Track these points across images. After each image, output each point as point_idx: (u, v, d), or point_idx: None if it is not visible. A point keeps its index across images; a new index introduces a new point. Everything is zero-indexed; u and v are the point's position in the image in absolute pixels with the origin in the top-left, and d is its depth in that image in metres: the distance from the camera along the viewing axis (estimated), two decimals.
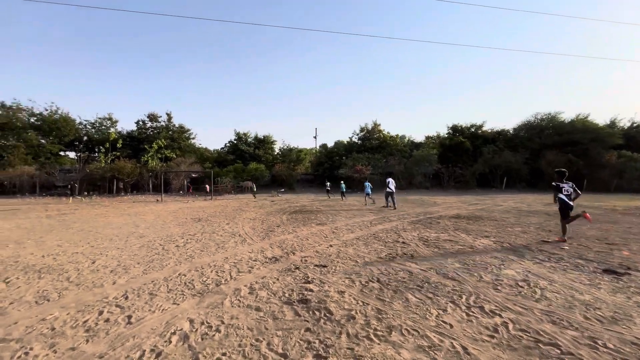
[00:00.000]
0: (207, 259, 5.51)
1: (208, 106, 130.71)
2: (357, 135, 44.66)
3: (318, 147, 51.49)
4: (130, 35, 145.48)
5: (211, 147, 48.97)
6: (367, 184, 18.32)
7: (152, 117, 41.17)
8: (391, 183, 14.94)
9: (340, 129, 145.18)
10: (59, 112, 37.72)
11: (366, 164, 35.49)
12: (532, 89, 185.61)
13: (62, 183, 33.22)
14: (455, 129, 43.07)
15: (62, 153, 39.53)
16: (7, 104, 35.57)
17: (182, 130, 42.25)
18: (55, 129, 36.23)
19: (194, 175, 38.21)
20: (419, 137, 44.13)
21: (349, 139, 45.87)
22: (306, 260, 5.29)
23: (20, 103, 36.17)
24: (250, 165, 36.60)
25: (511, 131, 41.82)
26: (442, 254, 5.66)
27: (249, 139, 42.58)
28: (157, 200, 22.53)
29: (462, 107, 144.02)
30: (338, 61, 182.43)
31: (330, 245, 6.51)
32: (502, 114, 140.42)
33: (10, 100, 36.18)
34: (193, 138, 44.01)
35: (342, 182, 24.71)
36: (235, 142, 42.27)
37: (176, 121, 42.72)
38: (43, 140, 35.56)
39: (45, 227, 9.57)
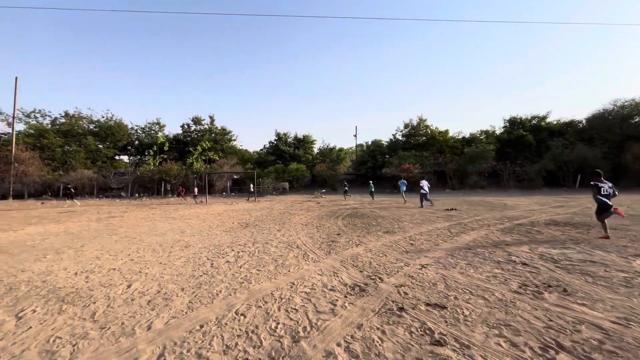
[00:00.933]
0: (268, 284, 4.16)
1: (245, 108, 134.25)
2: (401, 132, 42.00)
3: (356, 146, 49.54)
4: (173, 39, 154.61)
5: (250, 149, 49.47)
6: (403, 182, 18.71)
7: (196, 120, 42.26)
8: (425, 185, 15.33)
9: (378, 128, 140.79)
10: (114, 118, 40.16)
11: (413, 162, 32.92)
12: (603, 73, 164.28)
13: (117, 185, 35.07)
14: (513, 122, 38.66)
15: (116, 157, 42.02)
16: (70, 112, 38.63)
17: (224, 132, 42.88)
18: (111, 134, 38.54)
19: (235, 177, 38.56)
20: (466, 132, 40.04)
21: (391, 137, 43.37)
22: (406, 294, 3.71)
23: (80, 111, 39.12)
24: (290, 166, 35.86)
25: (583, 122, 36.47)
26: (608, 287, 3.76)
27: (289, 139, 41.98)
28: (202, 201, 22.36)
29: (516, 99, 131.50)
30: (378, 56, 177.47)
31: (423, 266, 4.86)
32: (565, 104, 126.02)
33: (72, 109, 39.27)
34: (234, 140, 44.56)
35: (370, 182, 24.48)
36: (275, 142, 41.93)
37: (218, 123, 43.55)
38: (100, 145, 37.93)
39: (91, 233, 9.04)
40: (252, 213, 13.84)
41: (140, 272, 4.91)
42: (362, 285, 4.05)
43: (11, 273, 4.95)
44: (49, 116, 37.89)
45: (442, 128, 40.03)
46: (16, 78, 31.89)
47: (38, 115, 37.29)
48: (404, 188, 18.17)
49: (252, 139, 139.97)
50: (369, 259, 5.44)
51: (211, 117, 42.88)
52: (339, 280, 4.27)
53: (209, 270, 4.89)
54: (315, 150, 44.40)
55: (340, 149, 45.78)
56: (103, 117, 39.85)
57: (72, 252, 6.53)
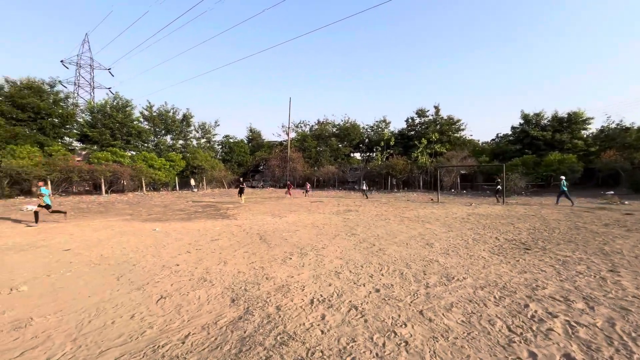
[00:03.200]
0: None
1: (478, 95, 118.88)
2: None
3: None
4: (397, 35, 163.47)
5: (481, 140, 41.58)
6: None
7: (420, 113, 40.48)
8: None
9: None
10: (350, 120, 46.00)
11: None
12: None
13: (351, 179, 39.63)
14: None
15: (351, 154, 48.11)
16: (321, 120, 48.01)
17: (450, 121, 38.41)
18: (347, 134, 44.30)
19: (462, 172, 33.31)
20: None
21: None
22: None
23: (327, 118, 47.83)
24: (549, 157, 26.05)
25: None
26: None
27: (544, 121, 30.96)
28: (432, 199, 19.73)
29: None
30: None
31: None
32: None
33: (322, 117, 48.63)
34: (463, 129, 38.94)
35: (562, 177, 16.32)
36: (521, 126, 32.30)
37: (444, 113, 39.59)
38: (340, 145, 44.56)
39: (332, 229, 8.47)
40: (517, 224, 9.42)
41: (392, 325, 2.62)
42: None
43: (257, 279, 4.15)
44: (308, 125, 49.01)
45: None
46: (290, 98, 43.11)
47: (302, 125, 49.16)
48: None
49: (483, 128, 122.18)
50: None
51: (436, 108, 39.65)
52: None
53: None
54: (594, 132, 30.53)
55: None
56: (342, 120, 46.73)
57: (314, 255, 5.56)
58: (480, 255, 5.56)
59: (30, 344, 2.56)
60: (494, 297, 3.50)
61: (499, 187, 18.66)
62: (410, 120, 41.67)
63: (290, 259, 5.35)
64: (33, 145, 23.98)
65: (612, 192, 22.74)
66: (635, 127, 28.71)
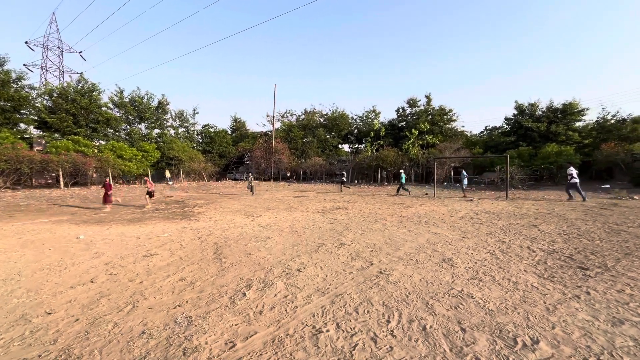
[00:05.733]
0: None
1: (469, 84, 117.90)
2: None
3: None
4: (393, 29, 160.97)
5: (470, 132, 40.37)
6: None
7: (412, 103, 38.77)
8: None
9: None
10: (338, 110, 43.87)
11: None
12: None
13: (339, 171, 37.80)
14: None
15: (340, 146, 46.13)
16: (308, 109, 45.67)
17: (442, 112, 36.87)
18: (335, 125, 42.24)
19: (453, 165, 31.99)
20: None
21: None
22: None
23: (315, 108, 45.51)
24: (546, 148, 24.83)
25: None
26: None
27: (538, 112, 29.74)
28: (426, 194, 18.10)
29: None
30: None
31: None
32: None
33: (309, 106, 46.33)
34: (455, 120, 37.50)
35: (401, 171, 18.84)
36: (515, 117, 30.99)
37: (435, 103, 38.01)
38: (328, 136, 42.46)
39: (314, 236, 6.56)
40: (540, 225, 7.78)
41: None
42: None
43: (167, 355, 2.21)
44: (295, 114, 46.60)
45: None
46: (275, 85, 40.58)
47: (288, 114, 46.71)
48: None
49: (472, 119, 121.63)
50: None
51: (427, 97, 37.97)
52: None
53: None
54: (588, 124, 29.61)
55: (638, 120, 28.07)
56: (330, 110, 44.54)
57: (283, 286, 3.65)
58: (528, 282, 3.79)
59: None
60: None
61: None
62: (401, 110, 39.95)
63: (245, 295, 3.42)
64: None
65: (608, 186, 21.79)
66: (632, 118, 27.94)
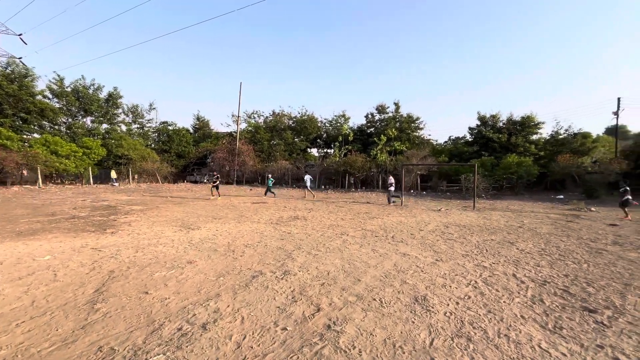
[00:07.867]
0: None
1: (436, 95, 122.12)
2: None
3: (617, 128, 31.21)
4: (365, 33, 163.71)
5: (440, 140, 41.18)
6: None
7: (381, 109, 38.63)
8: None
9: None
10: (307, 113, 42.70)
11: None
12: None
13: (305, 175, 36.47)
14: None
15: (308, 150, 44.89)
16: (276, 111, 44.01)
17: (410, 119, 37.05)
18: (304, 128, 40.98)
19: (419, 172, 32.09)
20: None
21: None
22: None
23: (283, 110, 43.95)
24: (507, 159, 25.42)
25: None
26: None
27: (499, 123, 30.72)
28: (394, 202, 17.29)
29: None
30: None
31: None
32: None
33: (277, 108, 44.72)
34: (422, 128, 37.86)
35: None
36: (478, 127, 31.80)
37: (404, 111, 38.17)
38: (296, 139, 41.03)
39: (254, 258, 5.12)
40: (517, 244, 6.97)
41: None
42: None
43: None
44: (262, 115, 44.70)
45: None
46: (240, 83, 38.55)
47: (255, 115, 44.69)
48: None
49: (437, 127, 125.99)
50: None
51: (396, 104, 38.05)
52: None
53: None
54: (545, 137, 31.07)
55: (586, 135, 29.92)
56: (299, 112, 43.24)
57: (208, 339, 2.16)
58: (533, 340, 2.66)
59: None
60: None
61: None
62: (370, 116, 39.66)
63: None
64: None
65: (562, 196, 22.64)
66: (581, 133, 29.71)
